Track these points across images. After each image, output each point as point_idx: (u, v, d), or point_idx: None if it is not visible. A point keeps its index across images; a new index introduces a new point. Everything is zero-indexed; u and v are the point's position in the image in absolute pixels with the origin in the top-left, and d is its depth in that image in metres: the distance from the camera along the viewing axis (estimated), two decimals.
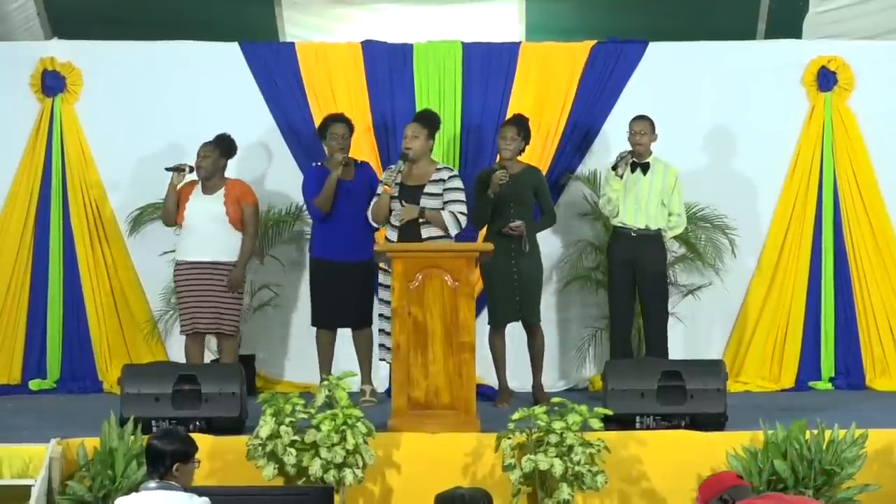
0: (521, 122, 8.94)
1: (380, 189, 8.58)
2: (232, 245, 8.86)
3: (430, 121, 8.69)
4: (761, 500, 5.23)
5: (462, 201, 8.60)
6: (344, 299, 8.77)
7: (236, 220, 8.86)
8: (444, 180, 8.58)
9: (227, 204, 8.85)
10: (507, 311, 8.82)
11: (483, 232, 8.96)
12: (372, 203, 8.59)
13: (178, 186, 8.93)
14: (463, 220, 8.59)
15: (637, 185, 8.89)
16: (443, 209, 8.55)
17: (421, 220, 8.50)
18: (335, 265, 8.81)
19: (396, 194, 8.51)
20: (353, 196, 8.81)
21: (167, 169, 8.91)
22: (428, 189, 8.54)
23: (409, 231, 8.47)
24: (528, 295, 8.82)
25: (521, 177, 8.86)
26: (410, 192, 8.51)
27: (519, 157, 8.92)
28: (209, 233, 8.81)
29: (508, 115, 9.43)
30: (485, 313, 9.23)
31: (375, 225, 8.63)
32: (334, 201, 8.81)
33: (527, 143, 8.97)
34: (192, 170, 8.93)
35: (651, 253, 8.94)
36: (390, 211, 8.55)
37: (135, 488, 6.26)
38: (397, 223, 8.52)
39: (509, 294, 8.78)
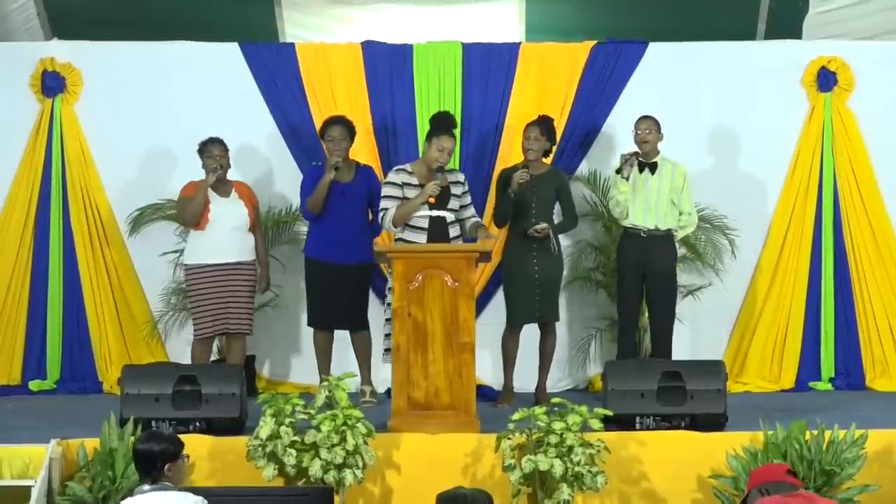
0: (545, 123, 8.95)
1: (392, 191, 8.53)
2: (249, 245, 8.94)
3: (454, 128, 8.70)
4: (789, 499, 5.28)
5: (472, 204, 8.71)
6: (338, 301, 8.77)
7: (252, 220, 8.94)
8: (462, 183, 8.64)
9: (246, 205, 8.92)
10: (525, 312, 8.84)
11: (504, 232, 8.96)
12: (392, 207, 8.45)
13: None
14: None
15: (646, 185, 8.88)
16: (458, 210, 8.59)
17: (450, 221, 8.51)
18: (328, 266, 8.82)
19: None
20: (350, 198, 8.81)
21: (210, 170, 8.79)
22: (453, 191, 8.57)
23: (438, 232, 8.46)
24: (547, 294, 8.85)
25: (544, 178, 8.88)
26: (440, 195, 8.50)
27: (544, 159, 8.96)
28: (234, 235, 8.85)
29: (509, 115, 9.50)
30: (484, 314, 9.25)
31: (393, 229, 8.57)
32: (330, 203, 8.80)
33: (552, 143, 8.99)
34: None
35: (661, 253, 8.92)
36: None
37: (133, 490, 6.27)
38: (425, 225, 8.49)
39: (529, 295, 8.79)
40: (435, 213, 8.48)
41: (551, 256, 8.84)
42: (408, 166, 8.65)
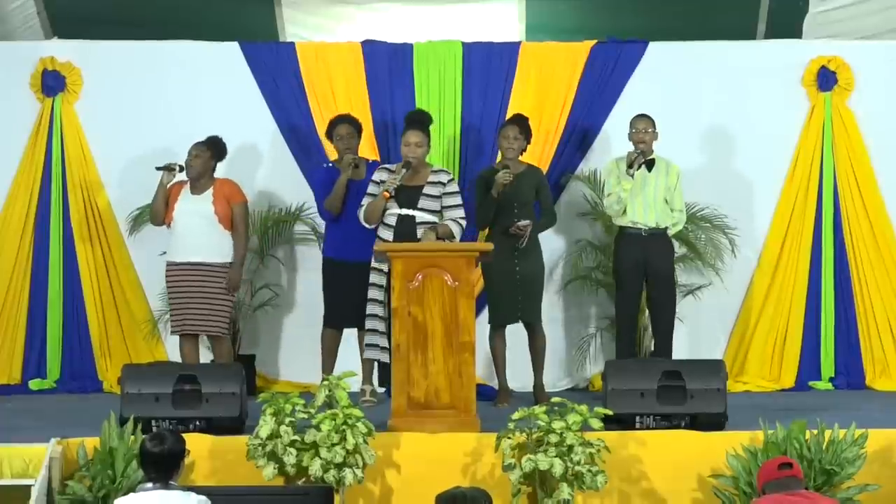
0: (522, 122, 8.95)
1: (371, 188, 8.57)
2: (222, 245, 8.86)
3: (428, 125, 8.69)
4: (789, 497, 5.31)
5: (461, 206, 8.63)
6: (354, 299, 8.74)
7: (225, 219, 8.87)
8: (443, 184, 8.60)
9: (216, 203, 8.85)
10: (507, 311, 8.83)
11: (485, 232, 8.96)
12: (365, 204, 8.57)
13: (168, 186, 8.92)
14: (464, 223, 8.62)
15: (644, 183, 8.89)
16: (439, 211, 8.57)
17: (420, 221, 8.51)
18: (348, 265, 8.81)
19: (393, 194, 8.51)
20: (364, 195, 8.79)
21: (157, 168, 8.90)
22: (426, 191, 8.56)
23: (406, 230, 8.47)
24: (529, 294, 8.83)
25: (523, 176, 8.87)
26: (408, 194, 8.51)
27: (520, 157, 8.94)
28: (198, 233, 8.81)
29: (508, 115, 9.47)
30: (484, 313, 9.24)
31: (367, 225, 8.60)
32: (346, 201, 8.82)
33: (528, 142, 8.99)
34: (181, 169, 8.93)
35: (661, 252, 8.92)
36: (383, 212, 8.56)
37: (134, 488, 6.26)
38: (392, 223, 8.52)
39: (511, 294, 8.78)
40: (403, 211, 8.50)
41: (530, 256, 8.81)
42: (391, 165, 8.69)
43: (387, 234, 8.52)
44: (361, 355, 8.88)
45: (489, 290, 8.92)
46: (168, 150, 9.44)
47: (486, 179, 8.84)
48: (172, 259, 8.86)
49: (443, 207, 8.60)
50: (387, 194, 8.43)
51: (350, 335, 9.02)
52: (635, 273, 8.92)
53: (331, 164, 9.05)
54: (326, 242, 9.08)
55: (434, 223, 8.54)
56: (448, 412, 7.59)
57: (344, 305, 8.86)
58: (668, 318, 8.96)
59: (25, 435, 7.57)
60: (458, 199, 8.64)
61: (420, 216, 8.53)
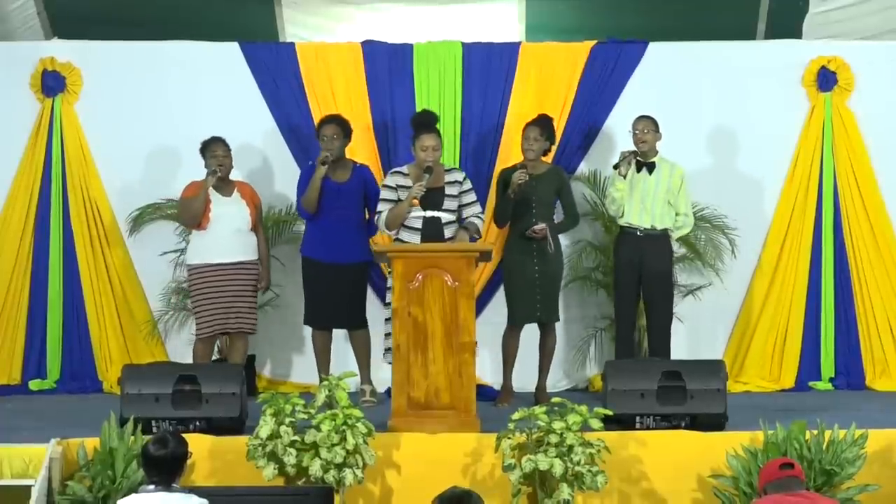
0: (545, 123, 8.95)
1: (386, 194, 8.55)
2: (251, 244, 8.95)
3: (436, 124, 8.69)
4: (789, 497, 5.32)
5: (478, 202, 8.70)
6: (335, 300, 8.78)
7: (254, 219, 8.95)
8: (459, 182, 8.65)
9: (249, 205, 8.92)
10: (526, 312, 8.85)
11: (505, 231, 8.96)
12: (386, 211, 8.53)
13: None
14: (483, 218, 8.70)
15: (643, 184, 8.89)
16: (457, 210, 8.61)
17: (446, 222, 8.51)
18: (325, 265, 8.82)
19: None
20: (346, 197, 8.80)
21: (210, 172, 8.79)
22: (448, 191, 8.58)
23: (432, 232, 8.46)
24: (547, 294, 8.86)
25: (544, 177, 8.89)
26: (432, 196, 8.51)
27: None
28: (237, 235, 8.86)
29: (509, 115, 9.51)
30: (484, 313, 9.25)
31: (388, 232, 8.58)
32: (326, 202, 8.81)
33: (551, 143, 8.99)
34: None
35: (656, 253, 8.91)
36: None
37: (134, 488, 6.27)
38: (418, 225, 8.50)
39: (530, 294, 8.80)
40: (429, 213, 8.50)
41: (552, 256, 8.85)
42: (404, 168, 8.68)
43: (412, 237, 8.50)
44: (355, 356, 8.88)
45: (508, 289, 8.95)
46: (168, 151, 9.45)
47: (505, 179, 8.85)
48: (204, 261, 8.82)
49: (461, 206, 8.61)
50: (416, 201, 8.43)
51: (344, 335, 9.02)
52: (630, 273, 8.92)
53: (314, 163, 9.03)
54: (305, 241, 9.05)
55: (454, 222, 8.55)
56: (448, 412, 7.59)
57: (324, 305, 8.86)
58: (664, 319, 8.96)
59: (25, 435, 7.58)
60: (474, 196, 8.70)
61: (445, 217, 8.54)
